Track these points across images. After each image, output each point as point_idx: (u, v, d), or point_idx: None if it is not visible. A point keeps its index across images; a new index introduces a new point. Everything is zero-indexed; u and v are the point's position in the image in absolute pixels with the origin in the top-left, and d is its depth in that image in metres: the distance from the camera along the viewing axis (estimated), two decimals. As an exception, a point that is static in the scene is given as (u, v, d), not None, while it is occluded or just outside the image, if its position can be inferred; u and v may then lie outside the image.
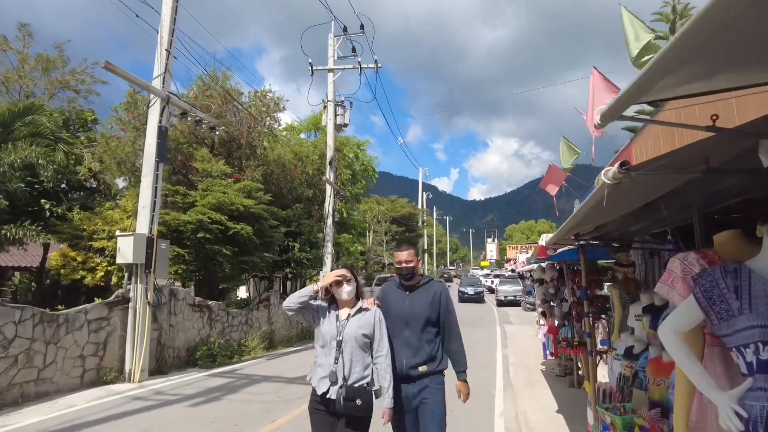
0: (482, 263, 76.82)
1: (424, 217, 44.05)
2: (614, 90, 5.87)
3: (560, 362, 8.62)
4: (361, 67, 16.59)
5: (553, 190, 8.04)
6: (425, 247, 47.15)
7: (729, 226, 5.03)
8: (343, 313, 3.14)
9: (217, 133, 12.04)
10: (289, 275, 16.98)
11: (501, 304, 28.76)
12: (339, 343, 3.00)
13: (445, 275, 58.60)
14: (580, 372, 7.88)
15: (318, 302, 3.17)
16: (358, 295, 3.22)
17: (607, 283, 7.65)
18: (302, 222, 16.84)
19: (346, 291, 3.13)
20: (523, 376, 8.95)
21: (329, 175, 16.37)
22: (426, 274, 49.25)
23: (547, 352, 9.20)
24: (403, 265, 3.40)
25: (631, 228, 5.61)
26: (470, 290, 31.28)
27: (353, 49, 16.64)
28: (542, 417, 6.24)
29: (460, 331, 3.67)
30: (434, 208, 67.81)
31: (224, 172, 13.69)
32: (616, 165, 2.08)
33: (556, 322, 9.27)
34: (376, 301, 3.35)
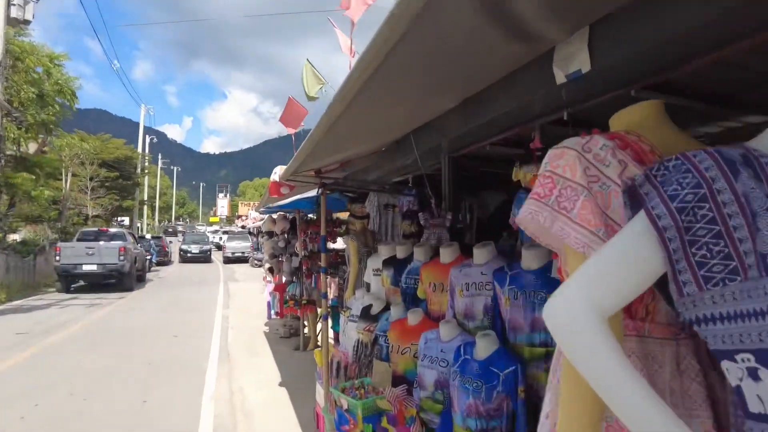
0: (211, 219, 73.22)
1: (146, 163, 38.45)
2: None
3: (285, 322, 7.84)
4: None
5: (292, 128, 6.99)
6: (145, 198, 41.46)
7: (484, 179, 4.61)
8: None
9: None
10: None
11: (228, 260, 27.39)
12: None
13: (170, 230, 54.37)
14: (306, 332, 7.20)
15: None
16: None
17: (342, 237, 7.10)
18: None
19: None
20: (243, 342, 7.85)
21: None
22: (146, 228, 43.78)
23: (272, 311, 8.31)
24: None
25: (370, 177, 4.90)
26: (194, 248, 27.79)
27: None
28: (263, 395, 5.24)
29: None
30: (160, 156, 60.59)
31: None
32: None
33: (284, 279, 8.44)
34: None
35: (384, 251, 4.35)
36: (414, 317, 2.97)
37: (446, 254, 2.93)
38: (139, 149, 34.95)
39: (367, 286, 4.81)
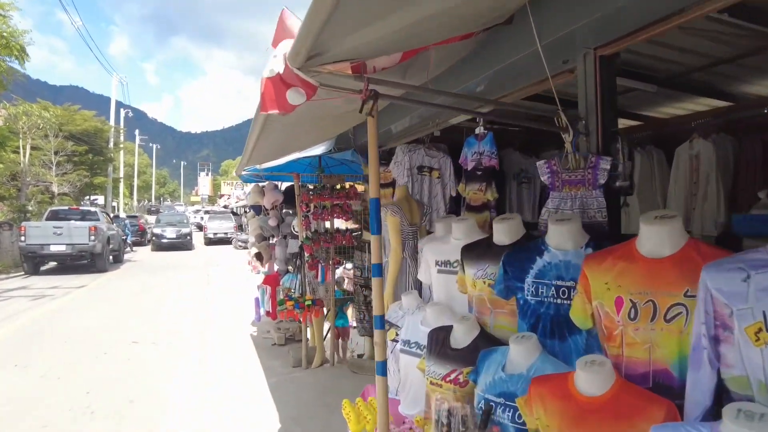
0: (192, 198, 70.61)
1: (121, 138, 35.71)
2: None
3: (280, 324, 5.93)
4: None
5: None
6: (121, 175, 38.74)
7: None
8: None
9: None
10: None
11: (210, 242, 25.31)
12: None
13: (153, 209, 52.62)
14: (309, 342, 5.30)
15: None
16: None
17: (357, 207, 5.18)
18: None
19: None
20: (223, 353, 5.94)
21: None
22: (123, 208, 41.19)
23: (261, 310, 6.39)
24: None
25: (436, 99, 3.00)
26: (170, 232, 21.98)
27: None
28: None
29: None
30: (137, 132, 57.45)
31: None
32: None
33: (276, 268, 6.50)
34: None
35: (459, 231, 2.48)
36: (592, 374, 1.14)
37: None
38: (112, 122, 32.21)
39: (419, 289, 2.96)
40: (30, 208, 19.90)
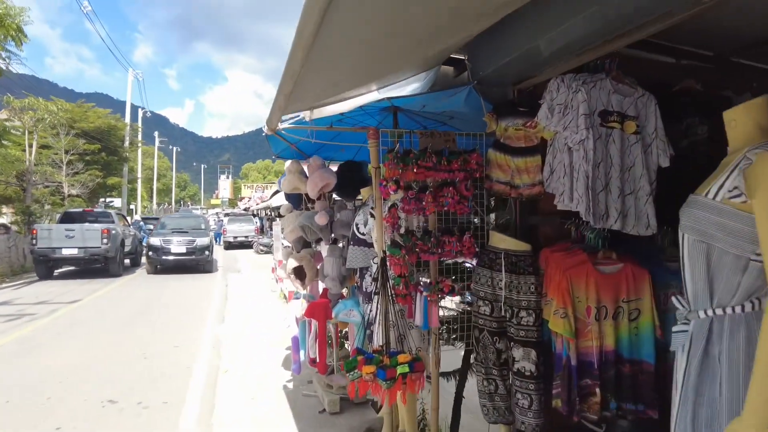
0: (212, 201, 69.60)
1: (139, 137, 34.26)
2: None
3: (330, 379, 3.76)
4: None
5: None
6: (139, 176, 37.21)
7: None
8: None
9: None
10: None
11: (230, 246, 23.53)
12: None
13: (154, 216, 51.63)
14: (400, 429, 3.08)
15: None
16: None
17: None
18: None
19: None
20: (241, 428, 3.79)
21: None
22: (141, 211, 39.66)
23: (301, 355, 4.19)
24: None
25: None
26: (178, 244, 14.07)
27: None
28: None
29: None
30: (157, 135, 56.47)
31: None
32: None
33: (322, 288, 4.33)
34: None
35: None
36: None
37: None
38: (127, 120, 30.64)
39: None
40: (33, 209, 18.23)
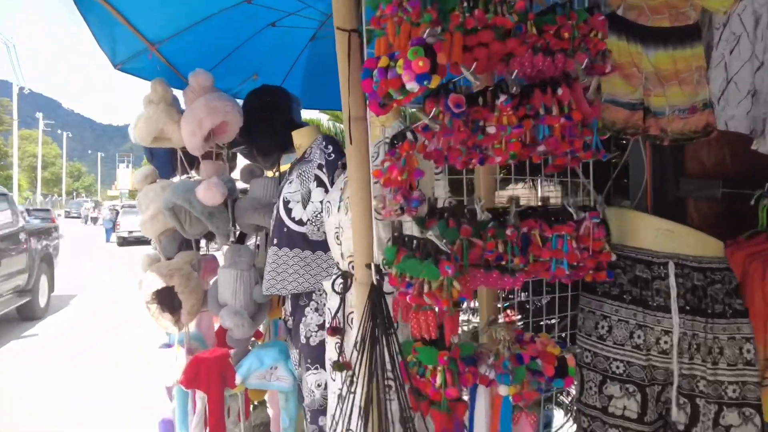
0: (110, 193, 63.28)
1: (14, 116, 29.29)
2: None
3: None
4: None
5: None
6: (15, 162, 31.90)
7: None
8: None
9: None
10: None
11: (124, 242, 20.38)
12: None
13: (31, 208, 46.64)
14: None
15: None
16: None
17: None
18: None
19: None
20: None
21: None
22: (18, 201, 34.20)
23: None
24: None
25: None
26: None
27: None
28: None
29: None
30: (41, 116, 49.72)
31: None
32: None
33: (227, 325, 2.37)
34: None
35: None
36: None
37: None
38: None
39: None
40: None
